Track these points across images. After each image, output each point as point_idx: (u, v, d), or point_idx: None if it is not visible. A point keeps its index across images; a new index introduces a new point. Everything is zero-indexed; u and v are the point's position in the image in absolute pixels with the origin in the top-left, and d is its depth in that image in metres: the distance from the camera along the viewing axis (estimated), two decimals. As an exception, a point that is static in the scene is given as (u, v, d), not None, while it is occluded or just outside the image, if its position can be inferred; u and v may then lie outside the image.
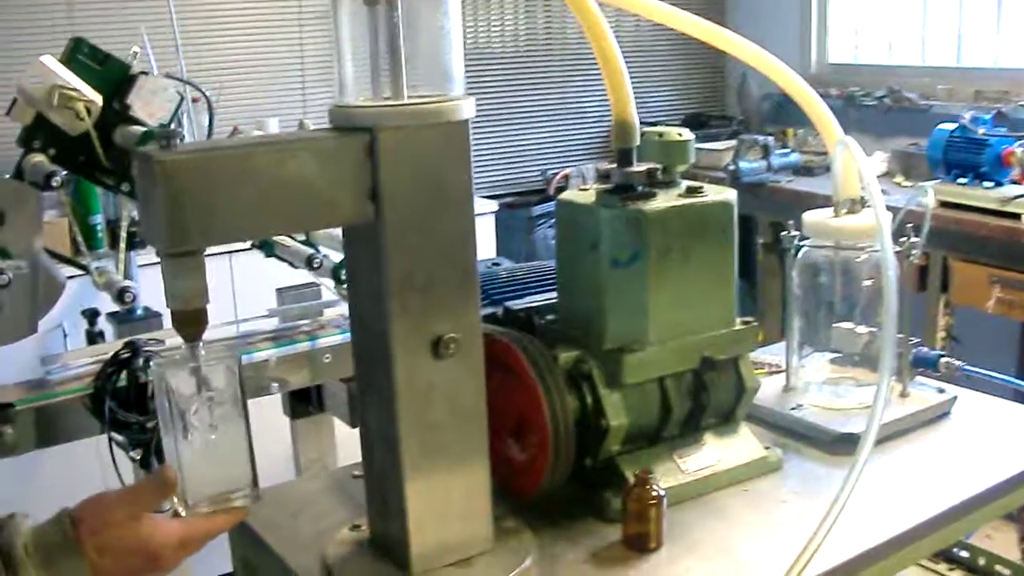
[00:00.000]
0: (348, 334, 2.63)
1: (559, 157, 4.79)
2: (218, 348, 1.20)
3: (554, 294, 1.62)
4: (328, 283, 2.55)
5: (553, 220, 4.41)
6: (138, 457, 2.32)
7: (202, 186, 1.11)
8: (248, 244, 2.56)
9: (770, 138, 4.46)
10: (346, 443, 2.69)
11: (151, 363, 1.11)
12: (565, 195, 1.53)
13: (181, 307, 1.16)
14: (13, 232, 2.14)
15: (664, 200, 1.46)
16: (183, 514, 1.19)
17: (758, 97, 5.06)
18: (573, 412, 1.43)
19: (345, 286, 2.49)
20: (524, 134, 4.73)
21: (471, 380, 1.29)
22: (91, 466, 2.83)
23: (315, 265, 2.42)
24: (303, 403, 2.72)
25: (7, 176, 2.21)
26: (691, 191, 1.49)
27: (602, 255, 1.46)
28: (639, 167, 1.47)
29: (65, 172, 2.19)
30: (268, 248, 2.46)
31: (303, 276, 2.62)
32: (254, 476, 1.22)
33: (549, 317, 1.57)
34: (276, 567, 1.41)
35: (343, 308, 2.62)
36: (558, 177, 4.66)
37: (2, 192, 2.14)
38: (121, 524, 1.14)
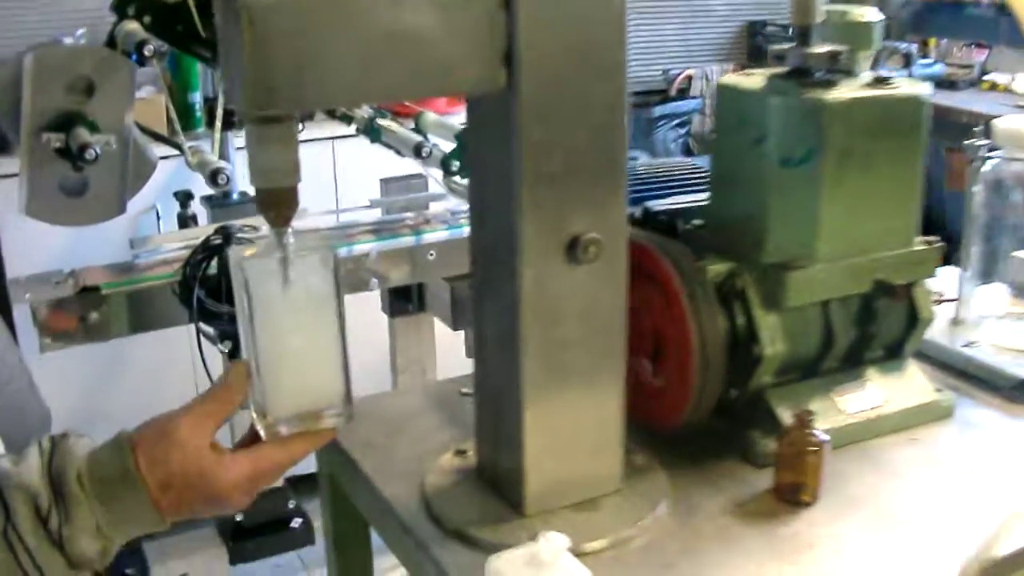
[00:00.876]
0: (455, 230, 2.43)
1: (682, 57, 4.46)
2: (311, 238, 0.98)
3: (698, 196, 1.36)
4: (437, 174, 2.32)
5: (675, 122, 4.19)
6: (227, 350, 2.14)
7: (294, 36, 0.87)
8: (352, 129, 2.34)
9: (913, 46, 4.06)
10: (446, 346, 2.48)
11: (228, 250, 0.87)
12: (728, 79, 1.26)
13: (265, 184, 0.93)
14: (102, 104, 1.95)
15: (847, 90, 1.19)
16: (260, 431, 0.98)
17: (898, 3, 4.65)
18: (723, 333, 1.18)
19: (455, 178, 2.26)
20: (645, 31, 4.42)
21: (611, 291, 1.05)
22: (183, 355, 2.67)
23: (424, 154, 2.19)
24: (402, 301, 2.52)
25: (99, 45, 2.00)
26: (879, 81, 1.21)
27: (769, 152, 1.19)
28: (820, 48, 1.19)
29: (160, 42, 1.99)
30: (374, 134, 2.23)
31: (409, 166, 2.39)
32: (347, 391, 0.99)
33: (696, 222, 1.32)
34: (367, 492, 1.20)
35: (451, 202, 2.40)
36: (680, 78, 4.33)
37: (91, 60, 1.94)
38: (185, 451, 0.93)
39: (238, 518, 2.55)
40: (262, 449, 0.98)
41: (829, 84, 1.18)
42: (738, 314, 1.21)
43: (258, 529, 2.69)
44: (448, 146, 2.23)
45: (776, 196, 1.20)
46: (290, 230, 0.95)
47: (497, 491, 1.13)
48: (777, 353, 1.21)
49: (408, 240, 2.28)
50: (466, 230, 2.37)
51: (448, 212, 2.38)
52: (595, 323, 1.05)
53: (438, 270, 2.32)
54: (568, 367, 1.05)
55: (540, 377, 1.04)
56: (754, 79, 1.24)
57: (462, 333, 2.46)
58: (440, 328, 2.53)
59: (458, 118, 2.57)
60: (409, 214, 2.37)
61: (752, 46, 4.23)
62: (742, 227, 1.24)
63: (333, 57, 0.89)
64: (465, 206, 2.36)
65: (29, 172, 1.96)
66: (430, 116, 2.35)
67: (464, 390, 1.23)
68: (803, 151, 1.17)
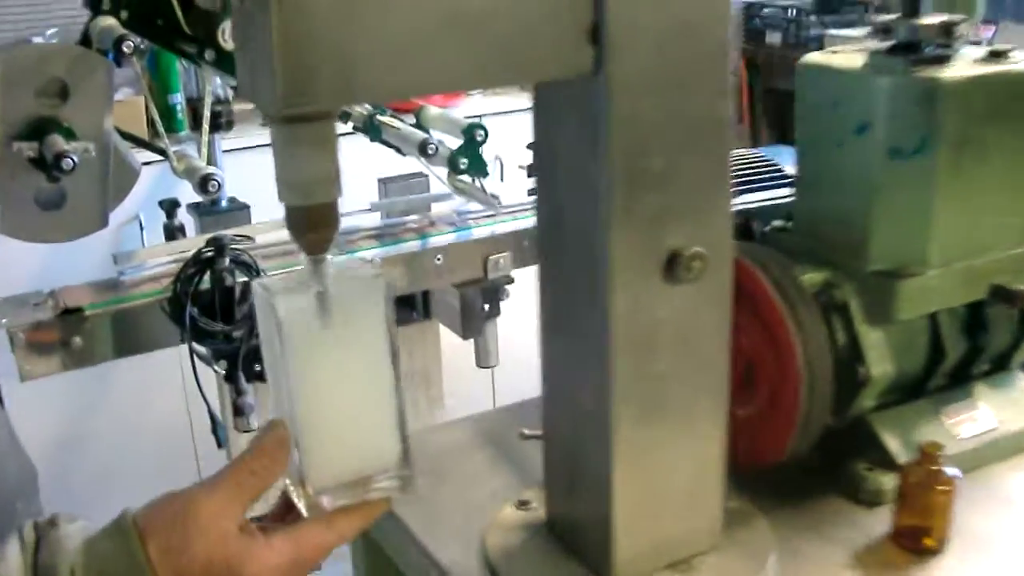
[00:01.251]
0: (462, 232, 2.24)
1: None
2: (355, 266, 0.79)
3: (773, 193, 1.18)
4: (441, 173, 2.12)
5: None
6: (223, 371, 1.94)
7: (338, 13, 0.68)
8: (349, 127, 2.14)
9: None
10: (451, 356, 2.29)
11: (253, 284, 0.67)
12: (815, 57, 1.07)
13: (300, 200, 0.74)
14: (79, 109, 1.75)
15: (962, 67, 1.01)
16: (298, 503, 0.79)
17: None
18: (830, 351, 1.00)
19: (463, 177, 2.07)
20: None
21: (715, 314, 0.86)
22: (173, 379, 2.47)
23: (429, 152, 1.99)
24: (406, 308, 2.32)
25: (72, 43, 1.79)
26: (994, 56, 1.03)
27: (874, 142, 1.01)
28: (932, 19, 1.01)
29: (139, 39, 1.78)
30: (374, 131, 2.03)
31: (408, 165, 2.20)
32: (405, 451, 0.80)
33: (776, 223, 1.14)
34: (415, 555, 1.01)
35: (456, 203, 2.20)
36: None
37: (66, 61, 1.74)
38: (208, 538, 0.73)
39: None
40: (302, 529, 0.78)
41: (942, 60, 1.00)
42: (838, 330, 1.03)
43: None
44: (454, 143, 2.04)
45: (882, 193, 1.02)
46: (330, 257, 0.76)
47: (574, 551, 0.94)
48: (885, 373, 1.03)
49: (413, 245, 2.09)
50: (475, 232, 2.21)
51: (454, 213, 2.19)
52: (696, 352, 0.86)
53: (447, 276, 2.13)
54: (664, 405, 0.86)
55: (632, 418, 0.85)
56: (847, 57, 1.05)
57: (471, 343, 2.28)
58: (445, 337, 2.34)
59: (460, 111, 2.38)
60: (413, 217, 2.17)
61: (750, 28, 4.05)
62: (839, 229, 1.06)
63: (385, 40, 0.69)
64: (472, 206, 2.17)
65: (1, 185, 1.76)
66: (432, 111, 2.15)
67: (526, 431, 1.04)
68: (916, 140, 0.99)
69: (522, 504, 1.01)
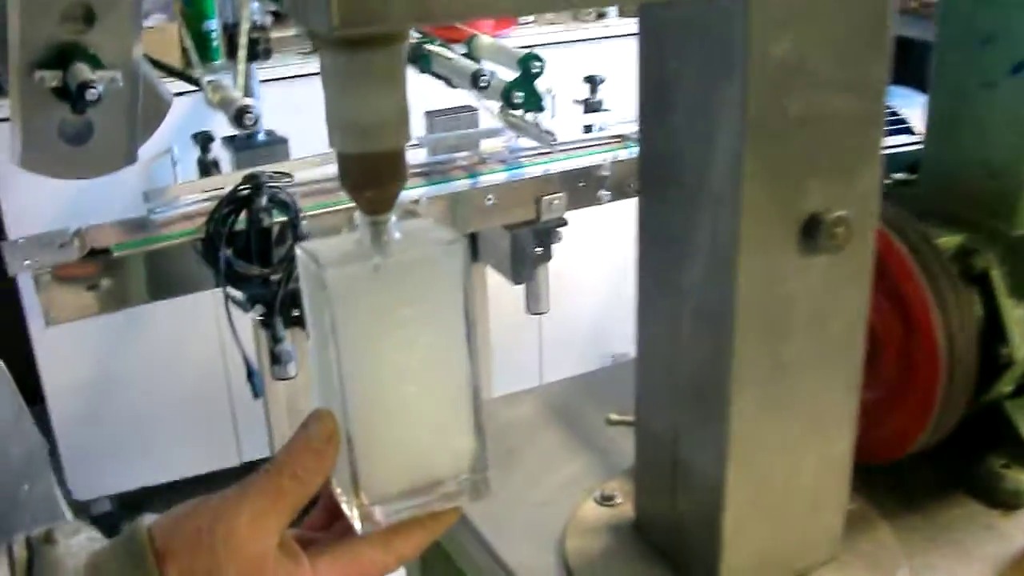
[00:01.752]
0: (515, 171, 2.07)
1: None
2: (421, 226, 0.63)
3: (891, 140, 1.01)
4: (493, 106, 1.95)
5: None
6: (259, 316, 1.80)
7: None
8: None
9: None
10: (500, 301, 2.14)
11: (297, 250, 0.51)
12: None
13: (359, 147, 0.58)
14: (105, 34, 1.59)
15: None
16: (349, 514, 0.64)
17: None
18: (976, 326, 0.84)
19: (515, 111, 1.90)
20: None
21: (854, 291, 0.70)
22: (208, 323, 2.34)
23: (482, 84, 1.83)
24: (452, 252, 2.16)
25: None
26: None
27: (1034, 79, 0.84)
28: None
29: (171, -42, 1.63)
30: (423, 62, 1.87)
31: (455, 98, 2.03)
32: (480, 452, 0.65)
33: (897, 176, 0.97)
34: (481, 557, 0.86)
35: (508, 138, 2.03)
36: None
37: (90, -19, 1.57)
38: (241, 559, 0.59)
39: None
40: (355, 549, 0.63)
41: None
42: (975, 303, 0.86)
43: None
44: (508, 74, 1.87)
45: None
46: (393, 219, 0.60)
47: (670, 558, 0.79)
48: (1031, 354, 0.87)
49: (462, 183, 1.93)
50: (528, 171, 2.05)
51: (506, 150, 2.03)
52: (829, 335, 0.70)
53: (497, 216, 1.98)
54: (790, 395, 0.71)
55: (753, 410, 0.69)
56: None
57: (522, 288, 2.13)
58: (493, 280, 2.19)
59: (512, 41, 2.20)
60: (462, 154, 2.01)
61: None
62: (980, 185, 0.89)
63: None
64: (525, 143, 2.01)
65: (22, 117, 1.61)
66: (485, 40, 1.98)
67: (614, 416, 0.88)
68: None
69: (605, 499, 0.86)
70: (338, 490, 0.65)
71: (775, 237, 0.65)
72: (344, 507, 0.64)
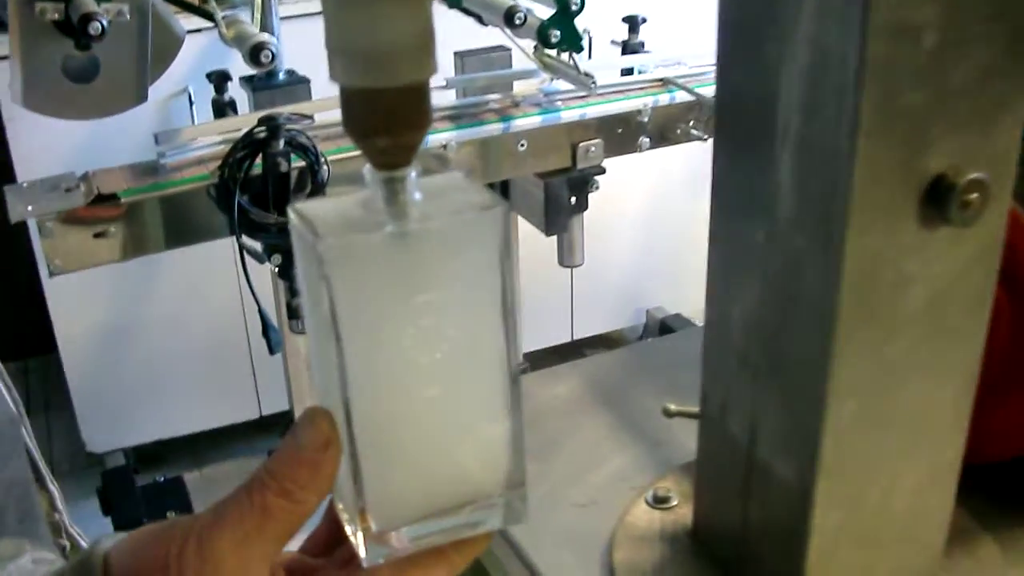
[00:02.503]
0: (550, 115, 1.93)
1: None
2: (454, 184, 0.49)
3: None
4: (528, 46, 1.81)
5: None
6: (276, 267, 1.68)
7: None
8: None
9: None
10: (531, 253, 2.01)
11: (289, 211, 0.36)
12: None
13: (371, 81, 0.44)
14: (111, -38, 1.46)
15: None
16: (354, 540, 0.51)
17: None
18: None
19: (555, 51, 1.76)
20: None
21: (980, 273, 0.56)
22: (226, 271, 2.21)
23: (516, 21, 1.68)
24: (482, 198, 2.03)
25: None
26: None
27: None
28: None
29: None
30: (454, -5, 1.72)
31: (488, 37, 1.88)
32: (517, 466, 0.52)
33: None
34: (511, 562, 0.73)
35: (543, 80, 1.89)
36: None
37: (95, -95, 1.44)
38: None
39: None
40: None
41: None
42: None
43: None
44: (544, 12, 1.72)
45: None
46: (413, 174, 0.47)
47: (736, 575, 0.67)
48: None
49: (493, 127, 1.80)
50: (564, 115, 1.91)
51: (540, 93, 1.88)
52: (946, 327, 0.56)
53: (530, 163, 1.84)
54: (895, 399, 0.57)
55: (852, 417, 0.56)
56: None
57: (555, 239, 1.99)
58: (524, 229, 2.06)
59: (547, -23, 2.04)
60: (494, 96, 1.87)
61: None
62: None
63: None
64: (561, 85, 1.86)
65: (22, 53, 1.49)
66: (519, -27, 1.83)
67: (673, 407, 0.75)
68: None
69: (658, 501, 0.73)
70: (340, 506, 0.52)
71: (893, 204, 0.51)
72: (348, 530, 0.51)
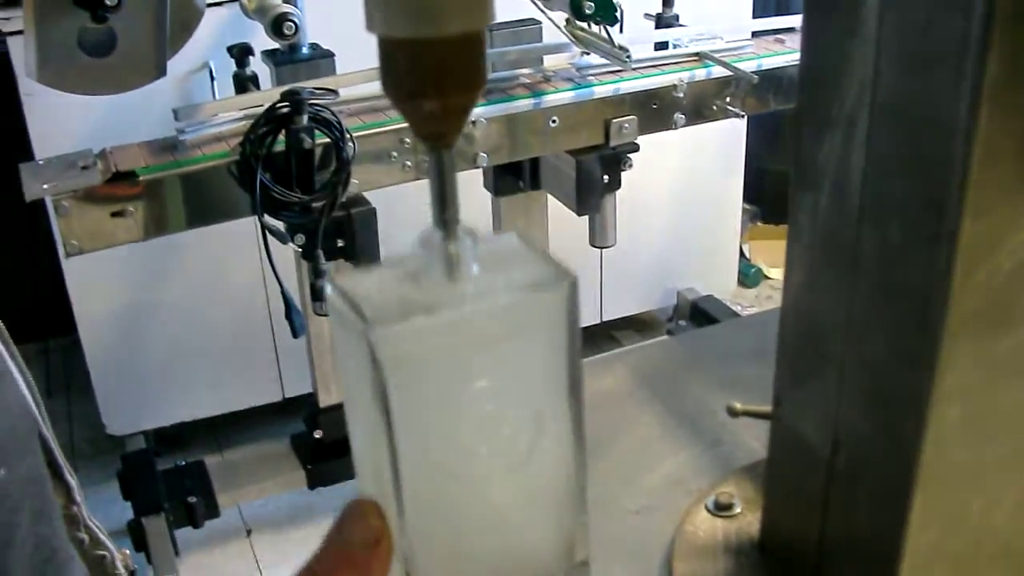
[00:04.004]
0: (582, 91, 1.85)
1: None
2: (514, 247, 0.42)
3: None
4: (559, 18, 1.74)
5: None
6: (299, 247, 1.62)
7: None
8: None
9: None
10: (561, 233, 1.94)
11: (328, 291, 0.29)
12: None
13: (417, 31, 0.37)
14: (127, -68, 1.40)
15: None
16: None
17: None
18: None
19: (588, 23, 1.68)
20: None
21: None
22: (250, 250, 2.15)
23: (550, -8, 1.61)
24: (511, 177, 1.98)
25: None
26: None
27: None
28: None
29: None
30: (482, -34, 1.65)
31: (518, 9, 1.81)
32: (583, 545, 0.45)
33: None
34: None
35: (575, 54, 1.82)
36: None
37: None
38: None
39: (317, 435, 2.06)
40: None
41: None
42: None
43: (341, 446, 2.20)
44: (576, -18, 1.65)
45: None
46: (470, 243, 0.39)
47: (809, 597, 0.60)
48: None
49: (524, 103, 1.73)
50: (597, 90, 1.84)
51: (573, 68, 1.82)
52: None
53: (561, 140, 1.77)
54: (1001, 406, 0.50)
55: (956, 426, 0.49)
56: None
57: (586, 219, 1.92)
58: (554, 209, 1.99)
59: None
60: (524, 70, 1.80)
61: None
62: None
63: None
64: (594, 60, 1.79)
65: (37, 27, 1.43)
66: (552, -58, 1.75)
67: (739, 406, 0.67)
68: None
69: (720, 508, 0.66)
70: None
71: (1014, 183, 0.44)
72: None
